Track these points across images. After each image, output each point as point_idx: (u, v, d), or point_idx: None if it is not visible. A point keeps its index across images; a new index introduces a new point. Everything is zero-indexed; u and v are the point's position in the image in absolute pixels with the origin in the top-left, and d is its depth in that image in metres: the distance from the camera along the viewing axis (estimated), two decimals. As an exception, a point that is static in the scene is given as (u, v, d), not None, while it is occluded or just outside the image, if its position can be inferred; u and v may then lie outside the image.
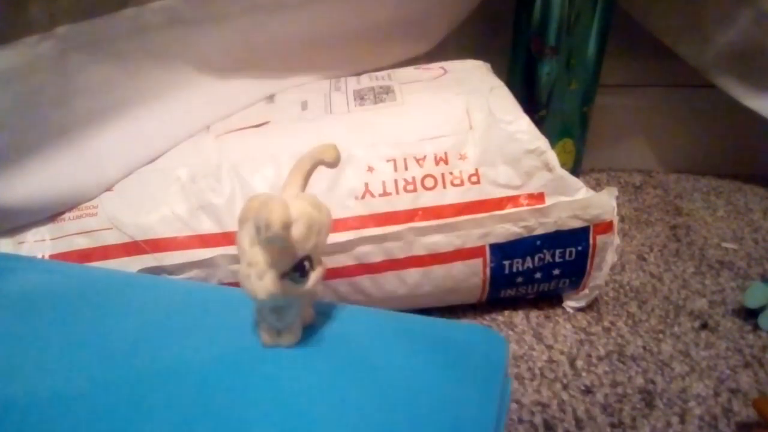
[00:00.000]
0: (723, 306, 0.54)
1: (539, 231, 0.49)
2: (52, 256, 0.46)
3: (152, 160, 0.50)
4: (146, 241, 0.47)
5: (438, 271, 0.50)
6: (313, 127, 0.51)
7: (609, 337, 0.51)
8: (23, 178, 0.46)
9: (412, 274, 0.49)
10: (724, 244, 0.64)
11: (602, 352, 0.49)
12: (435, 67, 0.57)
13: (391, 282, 0.50)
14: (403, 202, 0.48)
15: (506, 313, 0.54)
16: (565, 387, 0.46)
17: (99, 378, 0.32)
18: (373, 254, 0.48)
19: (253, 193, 0.47)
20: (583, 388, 0.46)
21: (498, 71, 0.59)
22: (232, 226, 0.47)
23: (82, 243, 0.47)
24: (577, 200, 0.49)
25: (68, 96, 0.46)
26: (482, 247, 0.49)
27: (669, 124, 0.79)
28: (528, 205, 0.49)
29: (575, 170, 0.74)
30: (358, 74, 0.59)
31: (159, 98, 0.51)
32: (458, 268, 0.50)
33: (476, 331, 0.34)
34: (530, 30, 0.66)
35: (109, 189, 0.49)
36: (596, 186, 0.76)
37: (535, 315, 0.54)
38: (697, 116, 0.78)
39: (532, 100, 0.69)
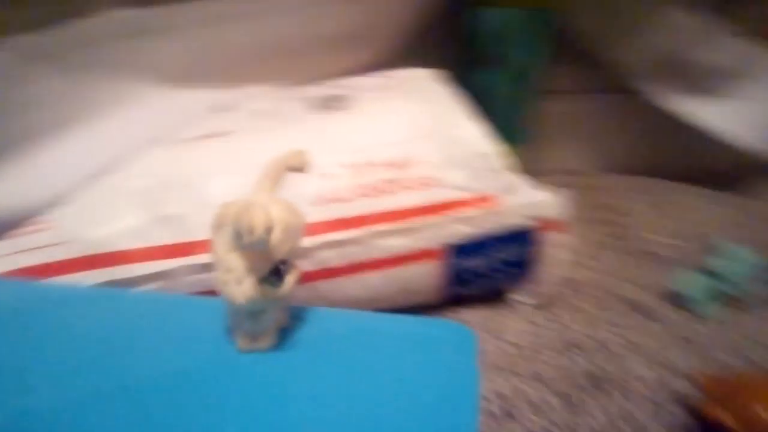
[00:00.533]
0: (656, 293, 0.58)
1: (492, 231, 0.52)
2: (6, 274, 0.45)
3: (106, 172, 0.49)
4: (103, 255, 0.46)
5: (396, 273, 0.51)
6: (268, 135, 0.51)
7: (555, 326, 0.54)
8: (-29, 195, 0.45)
9: (371, 278, 0.51)
10: (654, 237, 0.69)
11: (550, 340, 0.52)
12: (384, 76, 0.59)
13: (351, 286, 0.51)
14: (361, 207, 0.50)
15: (458, 310, 0.56)
16: (518, 376, 0.48)
17: (62, 398, 0.31)
18: (334, 259, 0.49)
19: (212, 202, 0.48)
20: (535, 375, 0.48)
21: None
22: (191, 235, 0.47)
23: (34, 260, 0.45)
24: (527, 200, 0.52)
25: (18, 108, 0.45)
26: (438, 249, 0.51)
27: (599, 127, 0.84)
28: (480, 206, 0.51)
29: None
30: (309, 83, 0.60)
31: (111, 109, 0.51)
32: (415, 269, 0.51)
33: (445, 326, 0.36)
34: (473, 39, 0.69)
35: (61, 203, 0.48)
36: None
37: (487, 311, 0.56)
38: (626, 119, 0.83)
39: (475, 108, 0.71)
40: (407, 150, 0.51)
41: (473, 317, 0.56)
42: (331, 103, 0.54)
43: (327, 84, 0.58)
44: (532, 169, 0.83)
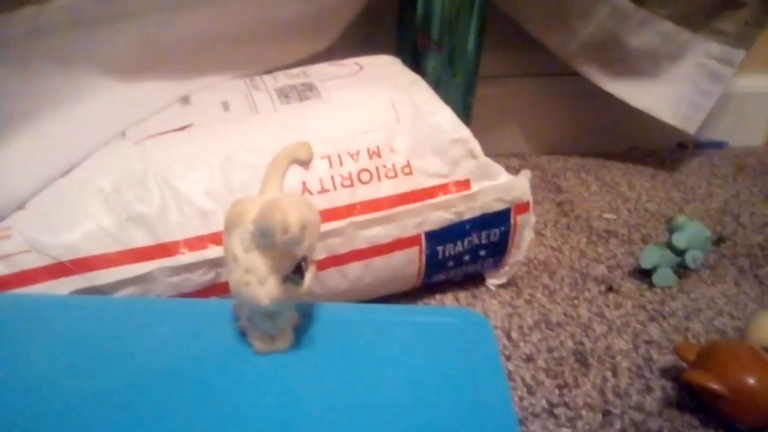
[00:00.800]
0: (620, 269, 0.61)
1: (468, 215, 0.52)
2: (-31, 287, 0.41)
3: (66, 172, 0.46)
4: (72, 261, 0.43)
5: (378, 262, 0.51)
6: (241, 127, 0.49)
7: (533, 308, 0.55)
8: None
9: (354, 268, 0.50)
10: (605, 215, 0.71)
11: (531, 322, 0.53)
12: (349, 63, 0.58)
13: (333, 278, 0.50)
14: (342, 198, 0.49)
15: (437, 297, 0.56)
16: (508, 358, 0.49)
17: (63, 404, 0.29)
18: (316, 252, 0.48)
19: (188, 199, 0.45)
20: (524, 357, 0.49)
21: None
22: (167, 236, 0.45)
23: (2, 269, 0.42)
24: (500, 184, 0.52)
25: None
26: (418, 236, 0.51)
27: (539, 109, 0.86)
28: (457, 191, 0.51)
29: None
30: (268, 72, 0.58)
31: (65, 103, 0.47)
32: (397, 257, 0.51)
33: (459, 314, 0.36)
34: (415, 25, 0.69)
35: (20, 207, 0.44)
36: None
37: (463, 296, 0.57)
38: (563, 101, 0.85)
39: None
40: (383, 138, 0.50)
41: (454, 304, 0.56)
42: (300, 93, 0.52)
43: (292, 73, 0.56)
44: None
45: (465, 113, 0.76)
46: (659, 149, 0.87)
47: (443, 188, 0.51)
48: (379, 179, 0.50)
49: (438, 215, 0.51)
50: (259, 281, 0.30)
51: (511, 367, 0.48)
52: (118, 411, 0.29)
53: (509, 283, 0.58)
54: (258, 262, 0.30)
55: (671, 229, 0.59)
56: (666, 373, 0.48)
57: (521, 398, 0.45)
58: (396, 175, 0.50)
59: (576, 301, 0.56)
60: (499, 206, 0.53)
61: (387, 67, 0.58)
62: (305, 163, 0.35)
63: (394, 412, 0.29)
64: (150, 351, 0.33)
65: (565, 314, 0.55)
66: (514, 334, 0.52)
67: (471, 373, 0.31)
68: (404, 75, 0.57)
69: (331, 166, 0.49)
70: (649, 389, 0.46)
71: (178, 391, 0.30)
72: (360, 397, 0.30)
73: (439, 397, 0.30)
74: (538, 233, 0.67)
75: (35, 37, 0.44)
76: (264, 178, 0.34)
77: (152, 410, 0.29)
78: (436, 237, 0.52)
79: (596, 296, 0.57)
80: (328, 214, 0.48)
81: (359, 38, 0.75)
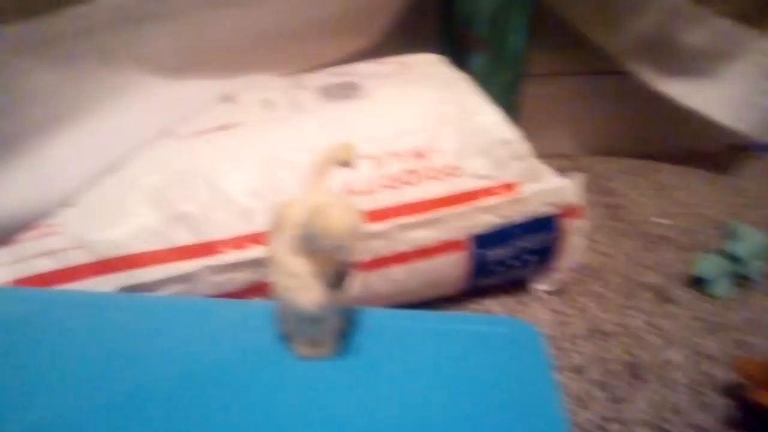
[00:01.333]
0: (675, 278, 0.58)
1: (516, 219, 0.50)
2: (15, 282, 0.41)
3: (112, 169, 0.46)
4: (118, 258, 0.43)
5: (422, 266, 0.49)
6: (285, 126, 0.49)
7: (584, 316, 0.53)
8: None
9: (397, 271, 0.49)
10: (658, 220, 0.69)
11: (581, 331, 0.51)
12: (393, 62, 0.57)
13: (376, 281, 0.49)
14: (386, 199, 0.47)
15: (482, 302, 0.55)
16: (557, 369, 0.47)
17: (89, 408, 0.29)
18: (359, 255, 0.47)
19: (231, 198, 0.45)
20: (574, 368, 0.47)
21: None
22: (211, 235, 0.44)
23: (46, 265, 0.42)
24: (549, 187, 0.51)
25: (14, 103, 0.41)
26: (464, 239, 0.49)
27: (588, 109, 0.83)
28: (504, 194, 0.50)
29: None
30: (312, 70, 0.57)
31: (111, 101, 0.47)
32: (442, 261, 0.50)
33: (509, 323, 0.35)
34: (460, 23, 0.68)
35: (68, 203, 0.44)
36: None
37: (510, 301, 0.55)
38: (613, 101, 0.82)
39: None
40: (429, 138, 0.49)
41: (501, 310, 0.54)
42: (344, 92, 0.51)
43: (335, 72, 0.56)
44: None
45: (512, 113, 0.74)
46: (714, 151, 0.84)
47: (490, 191, 0.50)
48: (425, 180, 0.48)
49: (484, 218, 0.49)
50: (303, 286, 0.29)
51: (561, 378, 0.47)
52: (156, 409, 0.29)
53: (558, 290, 0.56)
54: (302, 266, 0.29)
55: (729, 237, 0.56)
56: (726, 389, 0.45)
57: (572, 412, 0.44)
58: (441, 177, 0.49)
59: (629, 310, 0.54)
60: (548, 210, 0.51)
61: (432, 66, 0.57)
62: (349, 164, 0.34)
63: (440, 425, 0.28)
64: (191, 350, 0.33)
65: (615, 323, 0.52)
66: (561, 342, 0.50)
67: (522, 385, 0.30)
68: (450, 74, 0.55)
69: (375, 166, 0.48)
70: (708, 406, 0.44)
71: (216, 391, 0.30)
72: (404, 408, 0.28)
73: (487, 410, 0.28)
74: (589, 238, 0.65)
75: (81, 37, 0.44)
76: (307, 180, 0.33)
77: (190, 410, 0.29)
78: (483, 241, 0.50)
79: (650, 305, 0.55)
80: (372, 216, 0.47)
81: (403, 36, 0.73)
